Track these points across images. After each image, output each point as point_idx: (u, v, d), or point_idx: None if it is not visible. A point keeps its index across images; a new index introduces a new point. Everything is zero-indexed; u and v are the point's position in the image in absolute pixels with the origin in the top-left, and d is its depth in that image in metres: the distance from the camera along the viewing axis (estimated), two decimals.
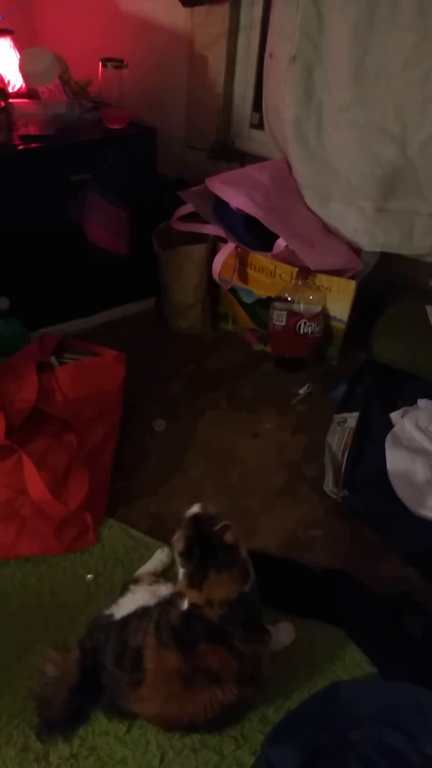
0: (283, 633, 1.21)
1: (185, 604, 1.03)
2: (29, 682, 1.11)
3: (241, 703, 1.02)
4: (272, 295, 1.93)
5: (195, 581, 1.00)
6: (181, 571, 1.04)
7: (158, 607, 1.07)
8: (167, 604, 1.06)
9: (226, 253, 1.91)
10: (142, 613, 1.08)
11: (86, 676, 1.06)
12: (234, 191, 1.86)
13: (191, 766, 1.05)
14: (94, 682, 1.06)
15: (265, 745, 1.01)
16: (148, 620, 1.04)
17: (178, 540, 1.03)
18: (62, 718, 1.07)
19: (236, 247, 1.91)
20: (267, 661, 1.07)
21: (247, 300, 2.02)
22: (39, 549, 1.35)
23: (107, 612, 1.13)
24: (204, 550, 1.00)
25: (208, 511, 1.07)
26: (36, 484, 1.32)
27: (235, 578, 1.01)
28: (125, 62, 1.85)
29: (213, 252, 1.96)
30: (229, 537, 1.01)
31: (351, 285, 1.82)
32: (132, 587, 1.18)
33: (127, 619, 1.08)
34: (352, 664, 1.19)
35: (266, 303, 1.96)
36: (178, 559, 1.04)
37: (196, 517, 1.06)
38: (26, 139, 1.72)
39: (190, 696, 0.98)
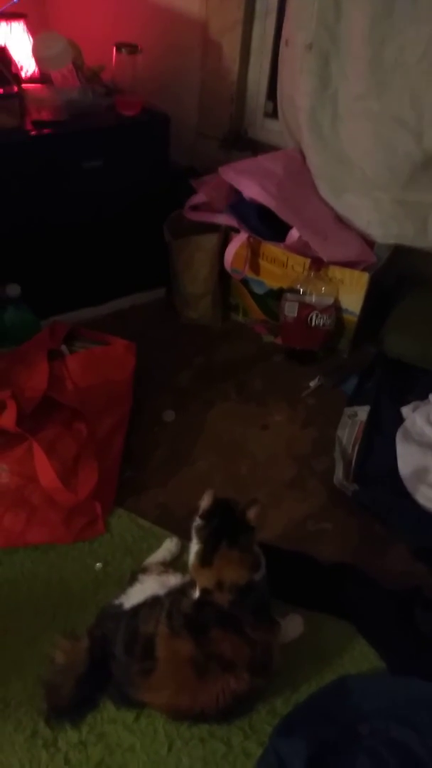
0: (292, 625, 1.21)
1: (196, 593, 1.03)
2: (38, 669, 1.11)
3: (252, 692, 1.02)
4: (284, 287, 1.92)
5: (207, 554, 1.03)
6: (193, 551, 1.06)
7: (169, 597, 1.08)
8: (178, 593, 1.07)
9: (238, 243, 1.90)
10: (152, 602, 1.09)
11: (95, 665, 1.07)
12: (247, 181, 1.84)
13: (199, 755, 1.05)
14: (102, 671, 1.07)
15: (273, 737, 1.01)
16: (160, 609, 1.05)
17: (206, 497, 1.07)
18: (70, 705, 1.07)
19: (248, 237, 1.89)
20: (277, 651, 1.07)
21: (259, 291, 2.00)
22: (48, 537, 1.35)
23: (116, 602, 1.14)
24: (223, 521, 1.06)
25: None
26: (46, 472, 1.31)
27: (246, 562, 1.03)
28: (139, 48, 1.82)
29: (225, 242, 1.95)
30: (252, 513, 1.05)
31: (364, 277, 1.81)
32: (140, 577, 1.19)
33: (137, 609, 1.09)
34: (361, 657, 1.19)
35: (278, 294, 1.94)
36: (196, 524, 1.08)
37: (227, 499, 1.10)
38: (39, 124, 1.71)
39: (203, 684, 0.99)
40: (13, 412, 1.35)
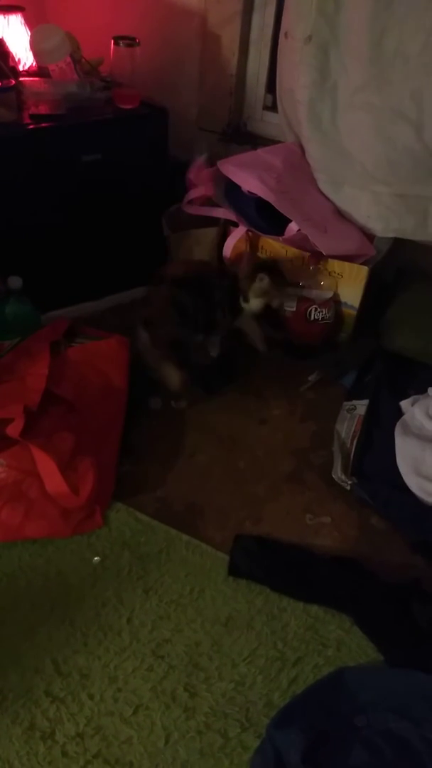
0: None
1: None
2: (35, 663, 1.13)
3: None
4: None
5: None
6: None
7: None
8: None
9: (237, 236, 1.89)
10: None
11: None
12: (246, 174, 1.83)
13: (196, 748, 1.05)
14: None
15: (270, 728, 1.01)
16: None
17: None
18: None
19: (247, 231, 1.89)
20: None
21: None
22: (46, 531, 1.35)
23: None
24: None
25: None
26: (53, 478, 1.32)
27: None
28: (137, 40, 1.82)
29: (223, 236, 1.94)
30: None
31: (363, 271, 1.80)
32: None
33: None
34: (359, 650, 1.19)
35: None
36: None
37: None
38: (37, 118, 1.70)
39: None
40: (20, 423, 1.35)
